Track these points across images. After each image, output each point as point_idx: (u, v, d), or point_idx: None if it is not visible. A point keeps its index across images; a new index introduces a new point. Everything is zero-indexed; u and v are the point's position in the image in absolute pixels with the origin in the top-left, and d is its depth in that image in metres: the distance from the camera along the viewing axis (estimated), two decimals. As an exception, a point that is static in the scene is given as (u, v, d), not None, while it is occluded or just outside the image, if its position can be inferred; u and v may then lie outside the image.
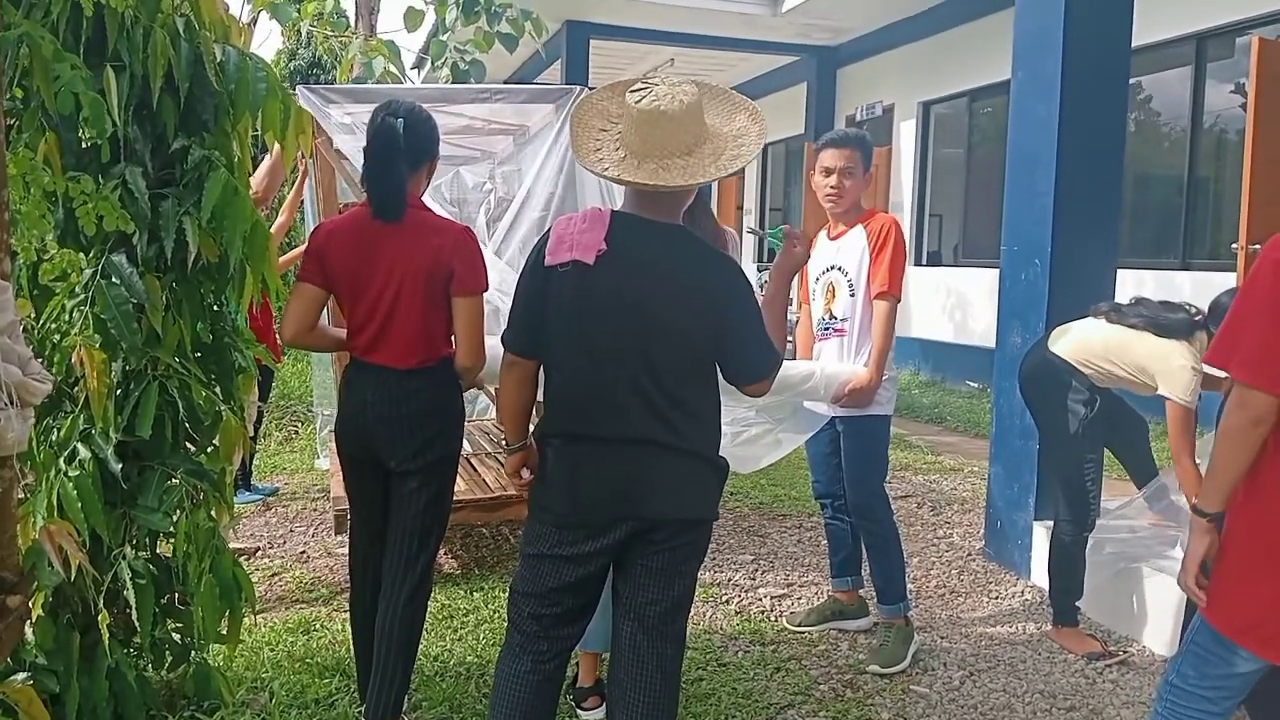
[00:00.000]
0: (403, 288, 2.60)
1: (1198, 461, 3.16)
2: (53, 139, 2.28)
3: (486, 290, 2.71)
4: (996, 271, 4.56)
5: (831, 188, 3.37)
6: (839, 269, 3.42)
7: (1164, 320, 3.32)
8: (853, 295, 3.38)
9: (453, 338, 2.71)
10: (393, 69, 5.42)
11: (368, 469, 2.74)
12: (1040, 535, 4.07)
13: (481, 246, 4.52)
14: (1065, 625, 3.59)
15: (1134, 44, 4.27)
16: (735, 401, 3.36)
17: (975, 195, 10.10)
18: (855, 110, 11.78)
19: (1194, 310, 3.34)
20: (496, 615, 3.64)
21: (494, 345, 2.97)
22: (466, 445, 5.01)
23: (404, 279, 2.60)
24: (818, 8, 10.30)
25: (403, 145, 2.59)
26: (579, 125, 2.21)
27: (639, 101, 2.10)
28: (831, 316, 3.45)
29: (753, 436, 3.43)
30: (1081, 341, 3.50)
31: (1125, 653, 3.48)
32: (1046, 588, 3.73)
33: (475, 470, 4.57)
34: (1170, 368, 3.22)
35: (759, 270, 12.25)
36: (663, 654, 2.18)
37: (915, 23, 10.37)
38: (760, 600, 3.97)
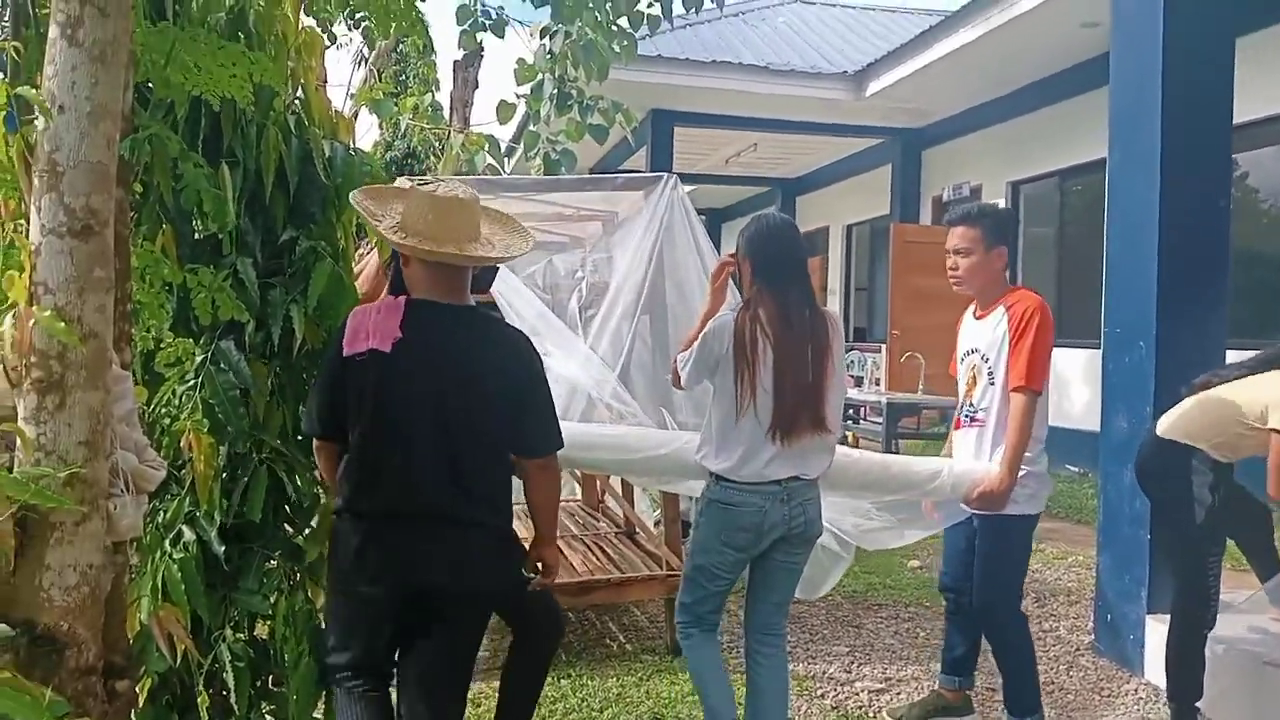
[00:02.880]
0: None
1: None
2: (169, 231, 2.39)
3: None
4: (1091, 352, 4.43)
5: (950, 269, 3.27)
6: (980, 354, 3.23)
7: (1266, 356, 3.23)
8: (992, 384, 3.17)
9: None
10: (493, 161, 5.63)
11: None
12: (1155, 630, 3.85)
13: (571, 335, 4.56)
14: (1186, 728, 3.37)
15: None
16: (858, 493, 3.30)
17: (1067, 275, 9.88)
18: (942, 190, 11.72)
19: None
20: (584, 704, 3.58)
21: (583, 430, 2.97)
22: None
23: None
24: (901, 92, 10.35)
25: None
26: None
27: (435, 190, 2.32)
28: (971, 405, 3.26)
29: (875, 528, 3.36)
30: (1185, 417, 3.35)
31: (1255, 761, 3.25)
32: (1164, 687, 3.51)
33: (561, 553, 4.54)
34: None
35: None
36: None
37: (1001, 104, 10.34)
38: (858, 694, 3.81)
